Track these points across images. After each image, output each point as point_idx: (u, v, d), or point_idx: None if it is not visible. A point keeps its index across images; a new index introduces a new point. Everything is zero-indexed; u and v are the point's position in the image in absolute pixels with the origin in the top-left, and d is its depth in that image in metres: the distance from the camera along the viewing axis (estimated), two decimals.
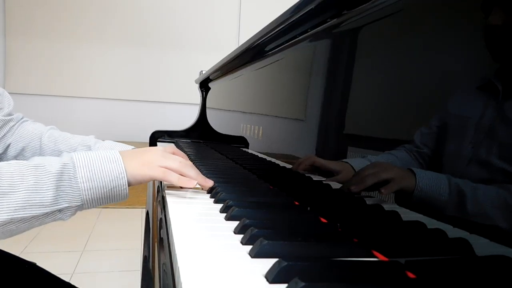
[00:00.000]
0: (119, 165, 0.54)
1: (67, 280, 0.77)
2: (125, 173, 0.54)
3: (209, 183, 0.62)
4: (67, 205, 0.50)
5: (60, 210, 0.50)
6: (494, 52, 0.30)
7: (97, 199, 0.53)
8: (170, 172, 0.57)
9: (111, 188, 0.53)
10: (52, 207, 0.49)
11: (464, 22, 0.34)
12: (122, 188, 0.54)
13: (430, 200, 0.35)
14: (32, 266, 0.74)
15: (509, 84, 0.28)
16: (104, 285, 1.66)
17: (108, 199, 0.54)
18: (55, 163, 0.51)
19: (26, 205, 0.46)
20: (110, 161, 0.54)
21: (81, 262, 1.83)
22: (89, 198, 0.52)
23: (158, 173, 0.57)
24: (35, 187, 0.47)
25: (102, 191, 0.53)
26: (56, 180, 0.49)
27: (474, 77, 0.32)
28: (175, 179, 0.57)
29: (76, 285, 0.77)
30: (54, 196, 0.49)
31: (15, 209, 0.45)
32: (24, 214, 0.46)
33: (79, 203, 0.52)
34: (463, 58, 0.34)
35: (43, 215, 0.48)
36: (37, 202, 0.47)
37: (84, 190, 0.51)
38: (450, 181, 0.33)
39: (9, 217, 0.45)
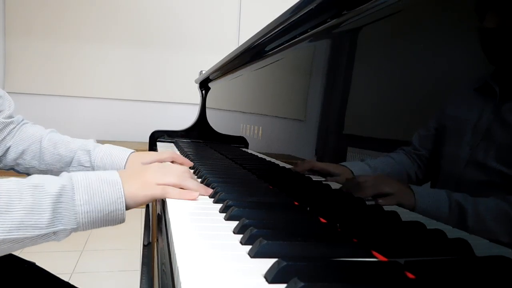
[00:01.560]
0: (118, 189, 0.53)
1: (66, 279, 0.77)
2: (123, 197, 0.53)
3: (209, 191, 0.62)
4: (62, 227, 0.49)
5: (54, 232, 0.49)
6: (491, 54, 0.30)
7: (93, 222, 0.52)
8: (169, 189, 0.57)
9: (108, 212, 0.52)
10: (47, 229, 0.47)
11: (462, 24, 0.34)
12: (120, 213, 0.54)
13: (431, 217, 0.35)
14: (31, 265, 0.74)
15: (506, 86, 0.29)
16: (103, 285, 1.66)
17: (104, 223, 0.53)
18: (54, 184, 0.50)
19: (21, 226, 0.45)
20: (109, 184, 0.53)
21: (80, 261, 1.83)
22: (85, 221, 0.51)
23: (157, 192, 0.56)
24: (32, 208, 0.46)
25: (99, 215, 0.52)
26: (54, 202, 0.48)
27: (472, 79, 0.32)
28: (176, 195, 0.57)
29: (76, 285, 0.77)
30: (51, 218, 0.47)
31: (10, 230, 0.44)
32: (18, 235, 0.45)
33: (75, 226, 0.50)
34: (461, 59, 0.34)
35: (37, 236, 0.47)
36: (32, 224, 0.46)
37: (81, 213, 0.50)
38: (450, 198, 0.33)
39: (2, 237, 0.44)
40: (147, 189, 0.56)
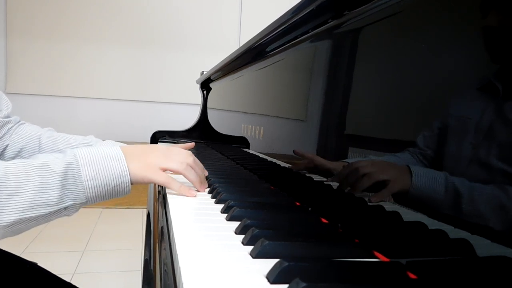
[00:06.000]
0: (122, 164, 0.55)
1: (68, 280, 0.77)
2: (127, 171, 0.55)
3: (203, 188, 0.62)
4: (72, 202, 0.51)
5: (65, 208, 0.51)
6: (493, 52, 0.30)
7: (100, 196, 0.54)
8: (171, 180, 0.58)
9: (114, 186, 0.55)
10: (58, 206, 0.50)
11: (464, 23, 0.34)
12: (125, 186, 0.56)
13: (426, 198, 0.35)
14: (33, 266, 0.74)
15: (509, 84, 0.29)
16: (105, 285, 1.66)
17: (111, 195, 0.55)
18: (59, 161, 0.52)
19: (33, 205, 0.47)
20: (113, 159, 0.55)
21: (82, 262, 1.84)
22: (93, 195, 0.53)
23: (160, 179, 0.58)
24: (41, 187, 0.48)
25: (106, 189, 0.54)
26: (61, 180, 0.50)
27: (475, 78, 0.32)
28: (176, 188, 0.58)
29: (77, 285, 0.77)
30: (60, 195, 0.50)
31: (23, 210, 0.46)
32: (31, 214, 0.47)
33: (84, 201, 0.53)
34: (463, 59, 0.34)
35: (49, 213, 0.49)
36: (43, 202, 0.48)
37: (88, 188, 0.52)
38: (447, 179, 0.33)
39: (18, 217, 0.46)
40: (149, 172, 0.57)
